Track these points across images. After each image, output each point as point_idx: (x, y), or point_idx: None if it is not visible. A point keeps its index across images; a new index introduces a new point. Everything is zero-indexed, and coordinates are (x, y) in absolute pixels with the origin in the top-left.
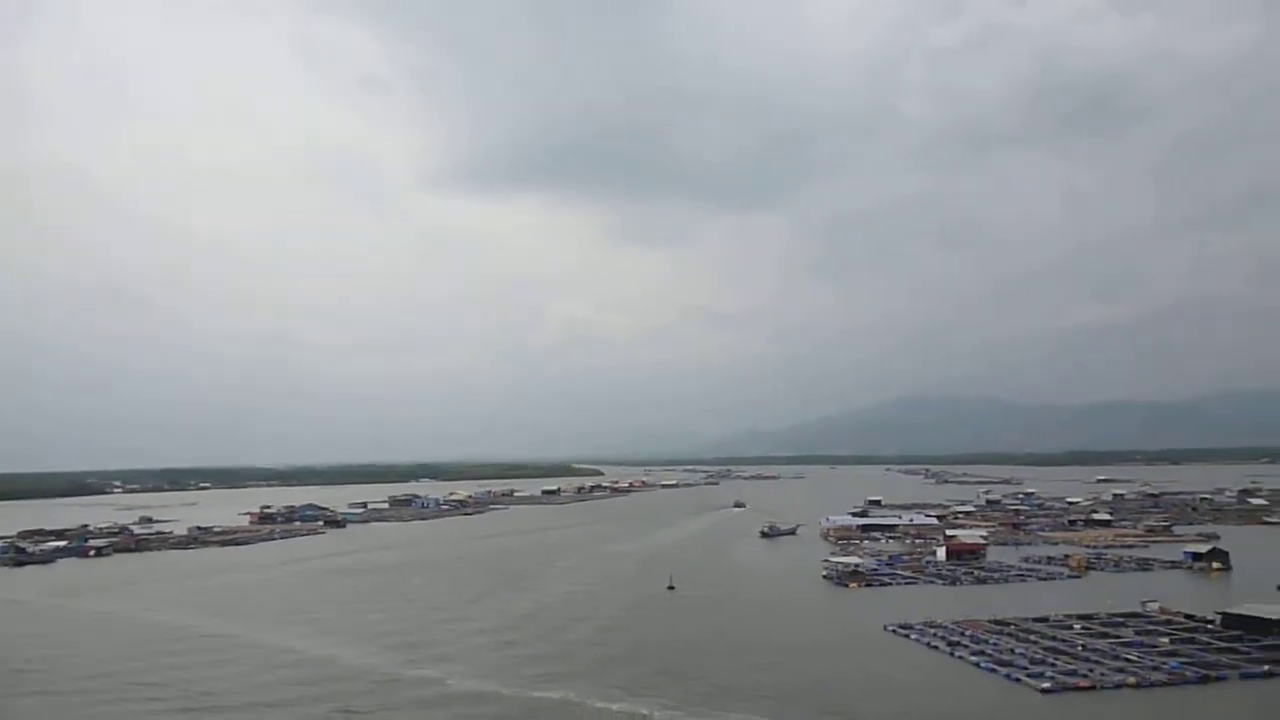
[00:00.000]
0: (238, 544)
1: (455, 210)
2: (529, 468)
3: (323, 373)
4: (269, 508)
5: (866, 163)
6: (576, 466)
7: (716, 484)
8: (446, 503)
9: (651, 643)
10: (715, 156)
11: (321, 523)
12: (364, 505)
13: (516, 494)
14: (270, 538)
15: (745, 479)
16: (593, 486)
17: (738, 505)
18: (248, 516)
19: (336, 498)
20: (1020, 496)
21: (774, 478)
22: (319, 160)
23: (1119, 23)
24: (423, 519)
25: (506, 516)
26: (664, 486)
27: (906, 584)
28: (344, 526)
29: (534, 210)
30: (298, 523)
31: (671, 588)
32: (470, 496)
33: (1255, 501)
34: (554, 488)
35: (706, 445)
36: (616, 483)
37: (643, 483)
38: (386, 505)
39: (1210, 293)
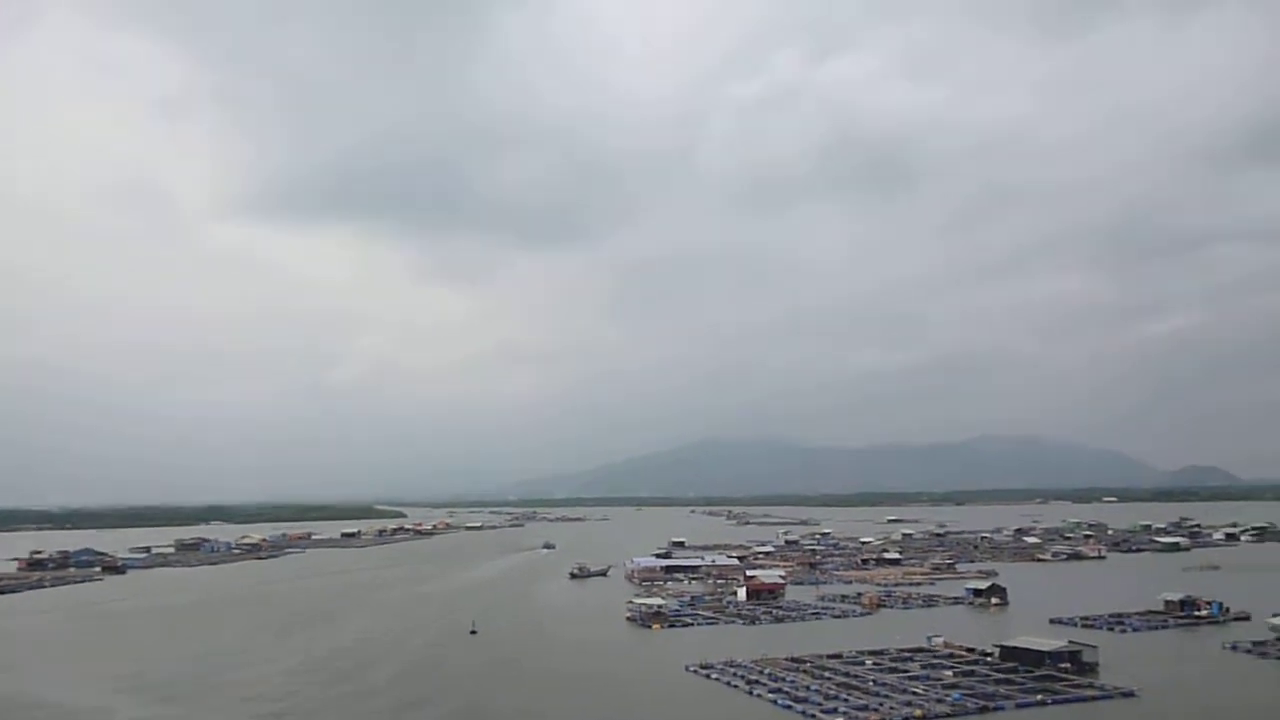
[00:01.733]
0: (2, 592)
1: (256, 239)
2: (328, 509)
3: (103, 408)
4: (39, 553)
5: (671, 207)
6: (378, 508)
7: (522, 525)
8: (238, 546)
9: (448, 686)
10: (525, 194)
11: (99, 569)
12: (147, 550)
13: (314, 537)
14: (40, 585)
15: (551, 520)
16: (395, 529)
17: (547, 546)
18: (15, 563)
19: (117, 542)
20: (817, 537)
21: (580, 519)
22: (109, 185)
23: (909, 89)
24: (212, 564)
25: (304, 560)
26: (469, 528)
27: (708, 624)
28: (124, 573)
29: (339, 242)
30: (72, 569)
31: (474, 631)
32: (264, 540)
33: (1030, 540)
34: (354, 530)
35: (511, 487)
36: (420, 525)
37: (447, 524)
38: (172, 549)
39: (980, 343)
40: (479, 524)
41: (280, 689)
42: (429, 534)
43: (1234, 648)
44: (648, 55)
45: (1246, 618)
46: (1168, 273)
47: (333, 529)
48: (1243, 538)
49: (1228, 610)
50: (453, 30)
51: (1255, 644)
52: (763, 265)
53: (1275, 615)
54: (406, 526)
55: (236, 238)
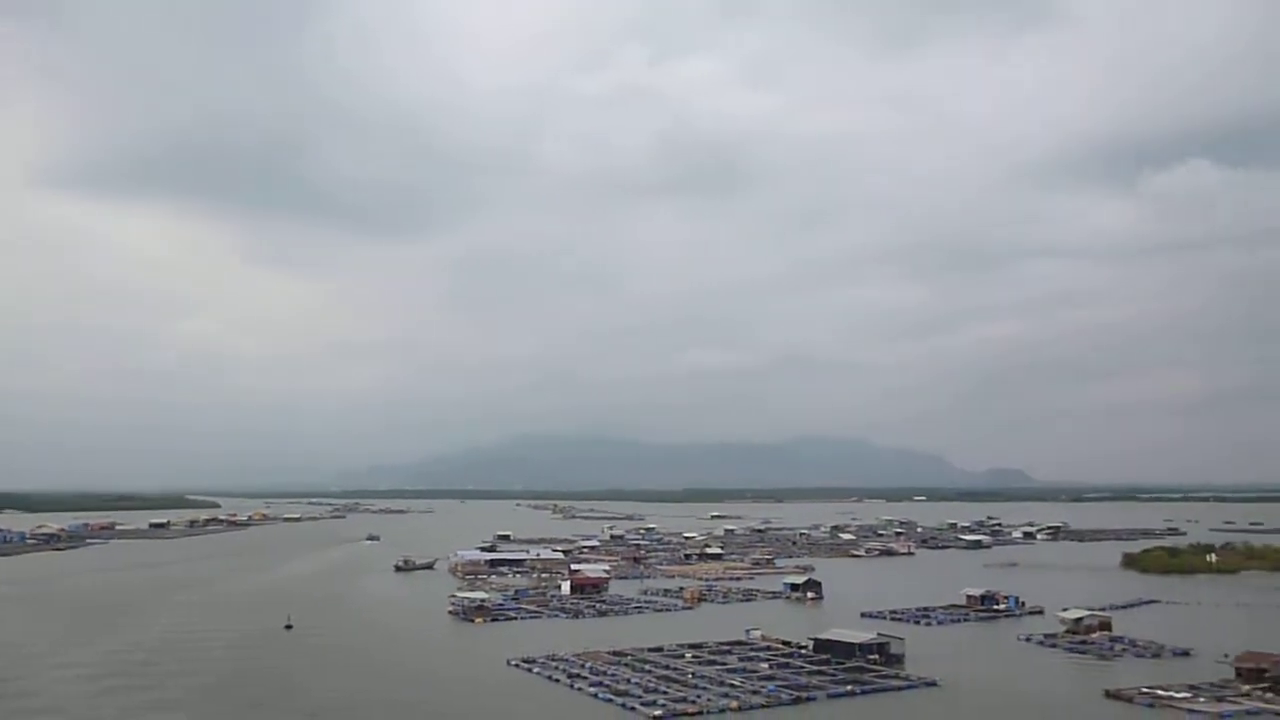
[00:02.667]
0: None
1: (72, 214)
2: (136, 499)
3: None
4: None
5: (514, 202)
6: (191, 498)
7: (343, 517)
8: (33, 536)
9: (255, 686)
10: (366, 182)
11: None
12: None
13: (119, 527)
14: None
15: (374, 513)
16: (208, 520)
17: (371, 539)
18: None
19: None
20: (642, 532)
21: (403, 512)
22: None
23: (747, 95)
24: (3, 555)
25: (106, 552)
26: (287, 520)
27: (531, 618)
28: None
29: (165, 222)
30: None
31: (289, 626)
32: (63, 530)
33: (845, 536)
34: (163, 521)
35: (334, 478)
36: (234, 515)
37: (264, 516)
38: None
39: (808, 346)
40: (298, 515)
41: (73, 696)
42: (244, 525)
43: (1028, 640)
44: (497, 48)
45: (1040, 612)
46: (984, 284)
47: (140, 519)
48: (1039, 536)
49: (1023, 604)
50: (298, 8)
51: (1047, 636)
52: (602, 263)
53: (1065, 609)
54: (220, 518)
55: (55, 213)
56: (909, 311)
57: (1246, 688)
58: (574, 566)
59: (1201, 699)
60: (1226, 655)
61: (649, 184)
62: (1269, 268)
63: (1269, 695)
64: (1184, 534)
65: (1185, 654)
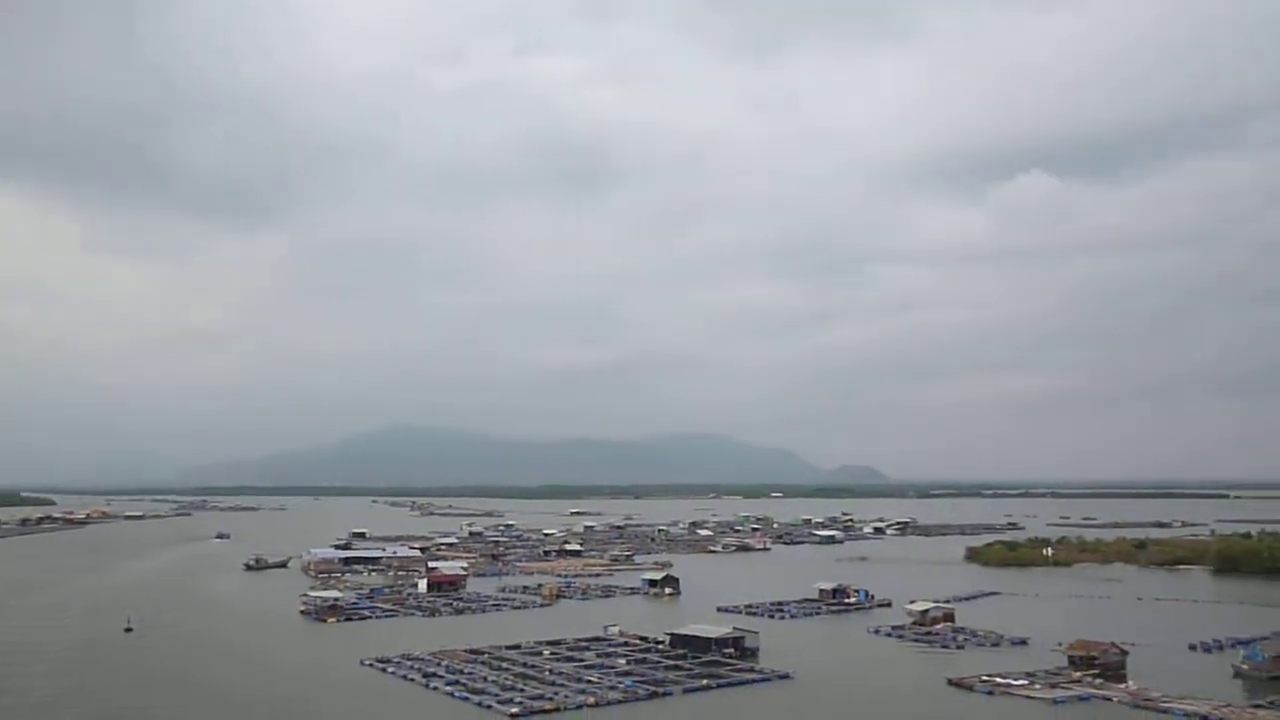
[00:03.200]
0: None
1: None
2: None
3: None
4: None
5: (373, 193)
6: (25, 495)
7: (190, 515)
8: None
9: (92, 692)
10: (217, 169)
11: None
12: None
13: None
14: None
15: (223, 510)
16: (41, 518)
17: (220, 537)
18: None
19: None
20: (501, 529)
21: (254, 509)
22: None
23: (614, 92)
24: None
25: None
26: (129, 518)
27: (387, 616)
28: None
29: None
30: None
31: (130, 629)
32: None
33: (703, 532)
34: None
35: (179, 474)
36: (71, 513)
37: (103, 513)
38: None
39: (670, 344)
40: (140, 513)
41: None
42: (82, 524)
43: (877, 632)
44: (362, 29)
45: (889, 604)
46: (843, 286)
47: None
48: (888, 532)
49: (873, 597)
50: None
51: (894, 628)
52: (464, 256)
53: (912, 602)
54: (55, 515)
55: None
56: (771, 311)
57: (1078, 674)
58: (431, 564)
59: (1037, 685)
60: (1060, 644)
61: (514, 178)
62: (1104, 275)
63: (1098, 681)
64: (1023, 529)
65: (1023, 643)
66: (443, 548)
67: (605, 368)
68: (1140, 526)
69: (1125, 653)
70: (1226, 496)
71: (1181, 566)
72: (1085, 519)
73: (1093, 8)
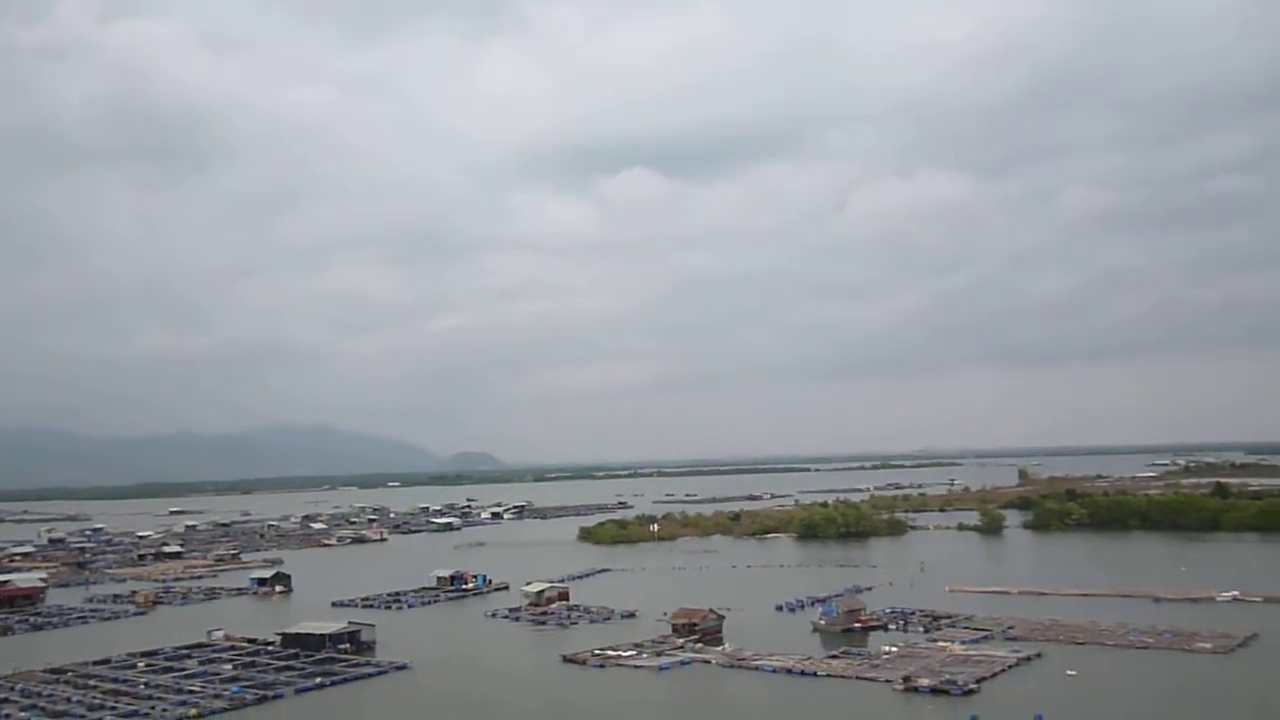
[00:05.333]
0: None
1: None
2: None
3: None
4: None
5: None
6: None
7: None
8: None
9: None
10: None
11: None
12: None
13: None
14: None
15: None
16: None
17: None
18: None
19: None
20: (88, 533)
21: None
22: None
23: (207, 62)
24: None
25: None
26: None
27: None
28: None
29: None
30: None
31: None
32: None
33: (316, 526)
34: None
35: None
36: None
37: None
38: None
39: (276, 332)
40: None
41: None
42: None
43: (494, 615)
44: None
45: (506, 587)
46: (454, 276)
47: None
48: (505, 516)
49: (490, 582)
50: None
51: (511, 610)
52: (41, 233)
53: (528, 584)
54: None
55: None
56: (382, 300)
57: (681, 641)
58: (2, 577)
59: (644, 655)
60: (665, 614)
61: (96, 149)
62: (704, 269)
63: (699, 645)
64: (632, 507)
65: (632, 615)
66: (17, 558)
67: (206, 358)
68: (735, 501)
69: (722, 617)
70: (809, 469)
71: (770, 535)
72: (688, 495)
73: (701, 17)
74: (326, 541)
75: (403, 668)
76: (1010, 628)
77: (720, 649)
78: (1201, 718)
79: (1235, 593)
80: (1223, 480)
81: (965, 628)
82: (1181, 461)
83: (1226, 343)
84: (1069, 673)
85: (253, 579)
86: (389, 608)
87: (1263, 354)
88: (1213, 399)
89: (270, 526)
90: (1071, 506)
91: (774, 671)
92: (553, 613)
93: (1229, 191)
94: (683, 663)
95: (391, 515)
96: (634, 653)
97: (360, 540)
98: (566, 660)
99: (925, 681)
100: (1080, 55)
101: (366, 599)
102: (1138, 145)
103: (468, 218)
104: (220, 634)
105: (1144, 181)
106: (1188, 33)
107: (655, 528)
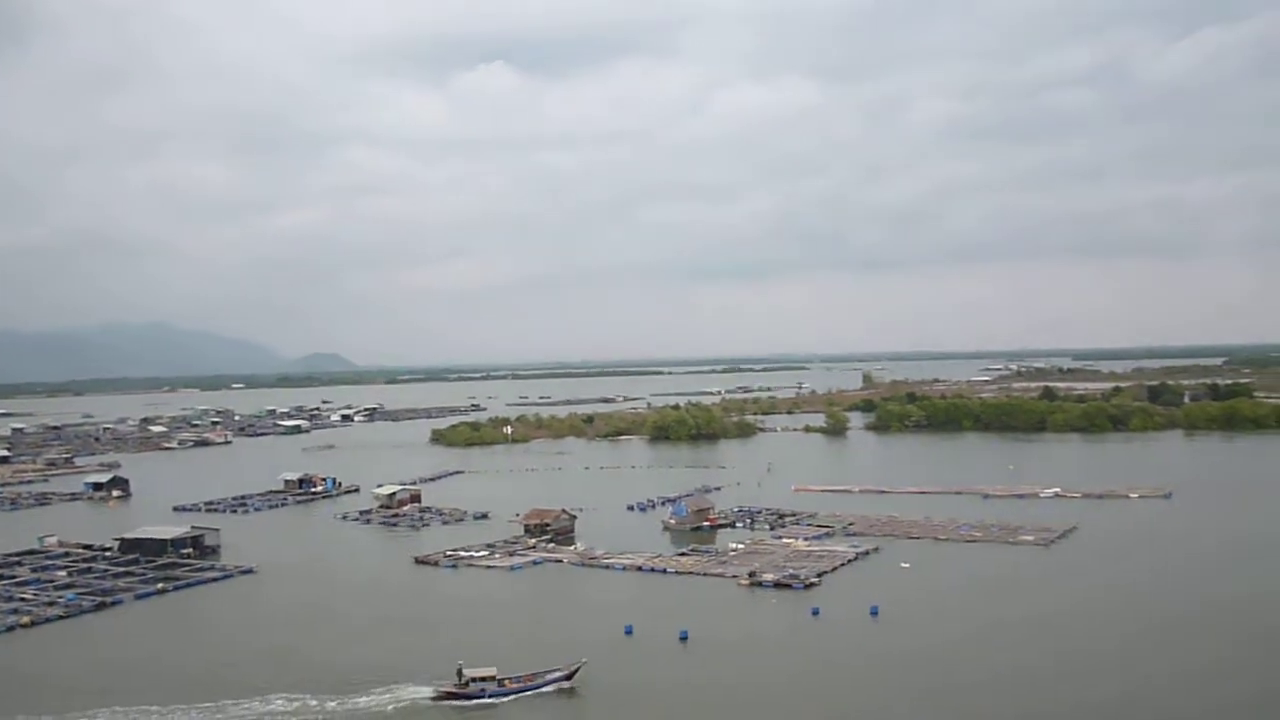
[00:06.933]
0: None
1: None
2: None
3: None
4: None
5: None
6: None
7: None
8: None
9: None
10: None
11: None
12: None
13: None
14: None
15: None
16: None
17: None
18: None
19: None
20: None
21: None
22: None
23: None
24: None
25: None
26: None
27: None
28: None
29: None
30: None
31: None
32: None
33: (156, 429)
34: None
35: None
36: None
37: None
38: None
39: (108, 225)
40: None
41: None
42: None
43: (344, 518)
44: None
45: (356, 490)
46: (298, 170)
47: None
48: (356, 418)
49: (340, 485)
50: None
51: (362, 513)
52: None
53: (379, 486)
54: None
55: None
56: (218, 193)
57: (533, 541)
58: None
59: (496, 555)
60: (517, 515)
61: None
62: (558, 168)
63: (550, 545)
64: (485, 410)
65: (484, 517)
66: None
67: (29, 250)
68: (589, 403)
69: (574, 518)
70: (663, 373)
71: (623, 437)
72: (542, 398)
73: None
74: (167, 445)
75: (249, 572)
76: (850, 524)
77: (572, 548)
78: (1019, 604)
79: (1057, 489)
80: (1050, 384)
81: (808, 525)
82: (1014, 366)
83: (1060, 251)
84: (903, 565)
85: (87, 483)
86: (234, 512)
87: (1094, 262)
88: (1050, 306)
89: (106, 429)
90: (911, 409)
91: (624, 569)
92: (404, 515)
93: (1067, 105)
94: (535, 562)
95: (236, 418)
96: (486, 553)
97: (203, 444)
98: (419, 562)
99: (769, 576)
100: None
101: (210, 503)
102: (986, 57)
103: (316, 110)
104: (53, 540)
105: (989, 91)
106: None
107: (509, 430)
